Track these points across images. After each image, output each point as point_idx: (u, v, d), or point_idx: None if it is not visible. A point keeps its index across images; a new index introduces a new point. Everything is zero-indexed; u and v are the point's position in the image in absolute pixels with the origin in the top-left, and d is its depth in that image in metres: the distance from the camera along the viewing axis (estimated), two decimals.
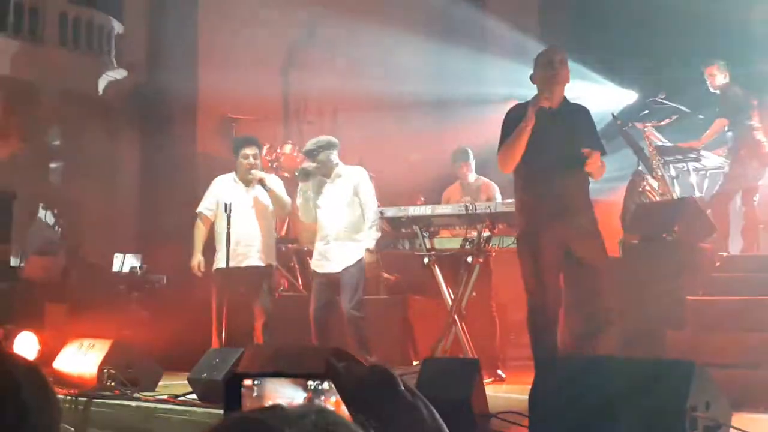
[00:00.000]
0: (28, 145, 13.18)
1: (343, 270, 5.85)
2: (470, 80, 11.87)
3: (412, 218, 6.27)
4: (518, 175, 4.70)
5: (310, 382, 1.29)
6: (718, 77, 7.39)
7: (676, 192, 7.34)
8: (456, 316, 6.01)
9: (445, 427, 1.09)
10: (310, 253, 8.25)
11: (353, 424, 0.93)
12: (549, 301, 4.45)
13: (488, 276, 6.39)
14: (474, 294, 6.14)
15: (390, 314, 7.33)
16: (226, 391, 1.15)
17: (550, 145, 4.50)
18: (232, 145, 6.48)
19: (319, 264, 6.02)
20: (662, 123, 7.57)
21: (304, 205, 6.06)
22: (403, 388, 1.08)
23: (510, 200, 6.18)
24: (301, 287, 8.14)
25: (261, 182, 6.25)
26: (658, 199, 7.09)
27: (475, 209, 5.97)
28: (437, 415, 1.09)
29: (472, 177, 6.95)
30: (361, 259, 5.84)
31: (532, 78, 4.65)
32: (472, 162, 6.96)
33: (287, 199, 6.36)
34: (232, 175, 6.38)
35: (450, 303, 6.11)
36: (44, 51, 13.29)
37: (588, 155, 4.40)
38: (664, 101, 7.68)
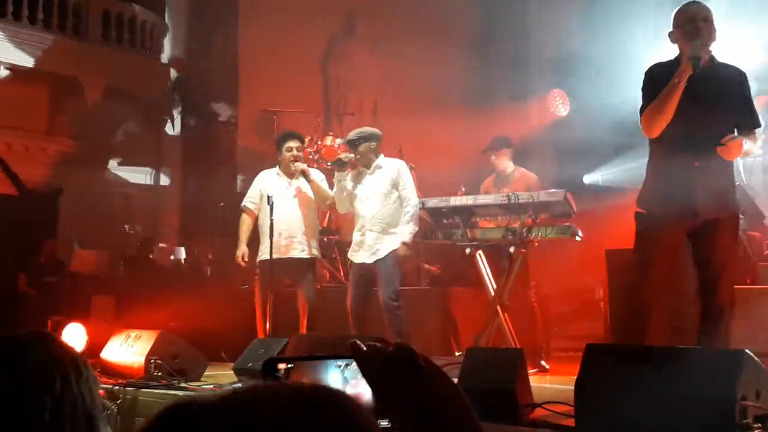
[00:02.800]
0: (73, 140, 13.41)
1: (379, 261, 5.85)
2: (513, 72, 11.78)
3: (454, 208, 6.25)
4: (655, 144, 4.18)
5: (339, 362, 1.32)
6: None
7: None
8: (498, 307, 5.98)
9: (471, 407, 1.08)
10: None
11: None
12: (645, 290, 4.10)
13: (525, 267, 6.35)
14: (515, 284, 6.12)
15: (431, 305, 7.32)
16: (264, 376, 1.19)
17: (692, 115, 3.95)
18: (276, 140, 6.55)
19: (355, 254, 6.03)
20: None
21: (339, 195, 6.09)
22: (423, 364, 1.07)
23: (553, 190, 6.15)
24: (344, 278, 8.17)
25: (304, 174, 6.30)
26: None
27: (518, 199, 5.93)
28: (465, 397, 1.08)
29: (509, 167, 6.83)
30: (396, 250, 5.83)
31: (671, 36, 4.13)
32: (510, 151, 6.85)
33: (329, 191, 6.40)
34: (276, 169, 6.46)
35: (492, 293, 6.09)
36: (88, 48, 13.49)
37: (725, 140, 3.90)
38: None
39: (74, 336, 6.50)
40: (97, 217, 12.82)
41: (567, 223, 5.95)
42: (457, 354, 6.57)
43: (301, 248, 6.26)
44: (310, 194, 6.33)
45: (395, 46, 12.57)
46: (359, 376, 1.13)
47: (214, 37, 14.20)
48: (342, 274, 8.33)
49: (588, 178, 8.87)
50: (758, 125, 4.11)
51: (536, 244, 6.23)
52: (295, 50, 12.78)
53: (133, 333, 5.84)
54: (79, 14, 13.51)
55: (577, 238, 5.96)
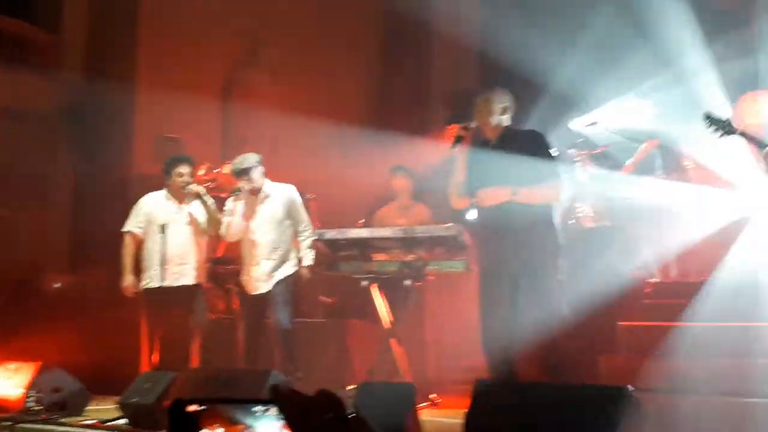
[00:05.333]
0: None
1: (274, 286, 5.80)
2: (413, 104, 11.96)
3: (351, 241, 6.25)
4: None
5: (255, 409, 1.28)
6: (649, 110, 7.60)
7: (607, 219, 7.44)
8: (392, 340, 6.00)
9: None
10: None
11: None
12: (484, 329, 4.63)
13: (423, 299, 6.43)
14: (409, 317, 6.17)
15: (327, 338, 7.28)
16: (170, 417, 1.13)
17: (491, 178, 4.71)
18: (165, 165, 6.39)
19: (249, 285, 5.94)
20: (597, 151, 7.68)
21: (232, 221, 5.96)
22: (348, 413, 1.06)
23: (448, 224, 6.25)
24: (239, 309, 7.99)
25: (199, 196, 6.16)
26: (593, 225, 7.21)
27: (414, 233, 5.99)
28: None
29: (408, 197, 6.97)
30: (289, 276, 5.81)
31: None
32: (410, 179, 7.00)
33: (220, 215, 6.28)
34: (163, 192, 6.29)
35: (387, 327, 6.10)
36: None
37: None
38: (597, 127, 7.84)
39: None
40: None
41: (462, 258, 6.04)
42: (350, 387, 6.53)
43: (192, 275, 6.14)
44: (201, 219, 6.21)
45: (296, 75, 12.58)
46: (274, 420, 1.10)
47: (111, 57, 13.85)
48: (237, 305, 8.17)
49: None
50: (554, 176, 4.78)
51: (432, 277, 6.30)
52: (196, 75, 12.60)
53: (12, 365, 5.59)
54: None
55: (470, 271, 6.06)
